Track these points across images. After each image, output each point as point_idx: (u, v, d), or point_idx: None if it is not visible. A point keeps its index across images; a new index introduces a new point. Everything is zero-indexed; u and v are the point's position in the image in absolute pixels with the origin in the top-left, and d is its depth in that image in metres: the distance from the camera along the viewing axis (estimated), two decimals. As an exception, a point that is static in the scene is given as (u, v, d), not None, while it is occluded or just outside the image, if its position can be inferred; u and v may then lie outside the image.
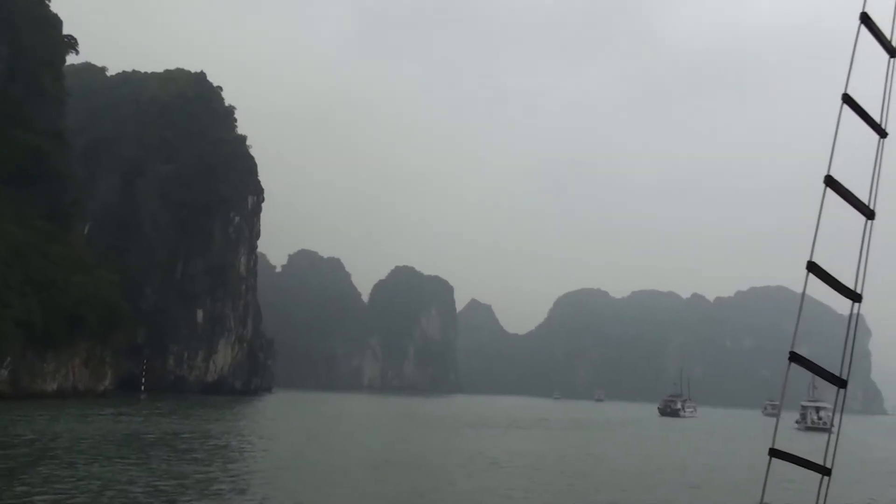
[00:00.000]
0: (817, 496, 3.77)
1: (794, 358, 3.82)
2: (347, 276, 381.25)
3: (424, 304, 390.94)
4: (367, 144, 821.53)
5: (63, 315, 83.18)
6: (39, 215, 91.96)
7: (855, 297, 3.93)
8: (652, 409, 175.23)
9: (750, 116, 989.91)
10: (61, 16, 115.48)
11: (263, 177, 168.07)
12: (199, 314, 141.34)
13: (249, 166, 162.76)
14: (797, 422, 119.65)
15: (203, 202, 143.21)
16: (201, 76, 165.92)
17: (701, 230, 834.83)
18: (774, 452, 3.76)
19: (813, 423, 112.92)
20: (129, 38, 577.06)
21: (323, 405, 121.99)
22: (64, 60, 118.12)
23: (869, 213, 3.88)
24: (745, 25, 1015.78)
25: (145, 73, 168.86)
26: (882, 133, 3.95)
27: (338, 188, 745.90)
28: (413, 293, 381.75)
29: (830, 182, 3.72)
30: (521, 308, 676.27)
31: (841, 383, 3.99)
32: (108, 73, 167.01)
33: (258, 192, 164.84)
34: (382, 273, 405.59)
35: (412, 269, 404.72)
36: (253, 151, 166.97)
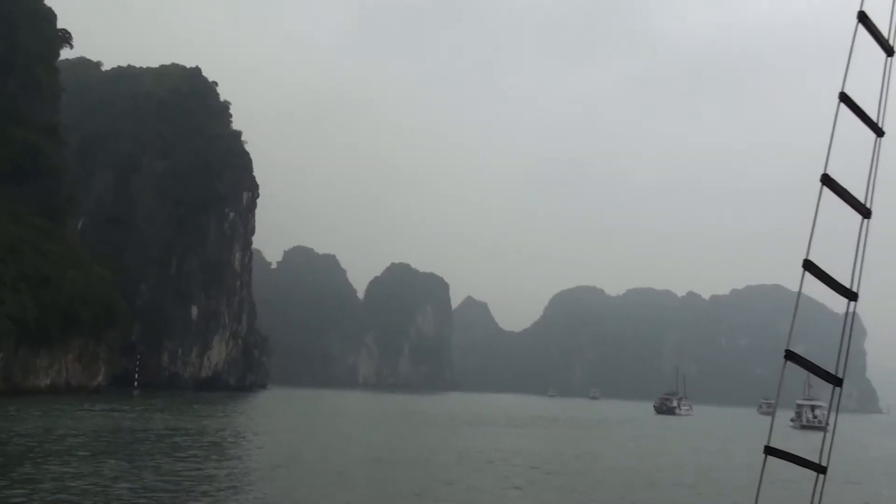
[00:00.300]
0: (812, 494, 3.76)
1: (791, 356, 3.78)
2: (343, 272, 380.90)
3: (420, 302, 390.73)
4: (363, 142, 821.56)
5: (57, 311, 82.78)
6: (34, 211, 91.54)
7: (851, 295, 3.88)
8: (647, 408, 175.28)
9: (747, 115, 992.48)
10: (56, 10, 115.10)
11: (259, 174, 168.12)
12: (194, 310, 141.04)
13: (245, 162, 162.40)
14: (792, 420, 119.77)
15: (198, 198, 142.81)
16: (196, 71, 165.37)
17: (697, 229, 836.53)
18: (770, 450, 3.71)
19: (808, 422, 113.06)
20: (127, 36, 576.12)
21: (317, 402, 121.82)
22: (58, 55, 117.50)
23: (865, 212, 3.86)
24: (743, 25, 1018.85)
25: (140, 68, 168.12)
26: (879, 132, 3.92)
27: (334, 185, 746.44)
28: (408, 290, 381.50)
29: (827, 181, 3.70)
30: (517, 305, 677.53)
31: (837, 382, 3.94)
32: (103, 69, 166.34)
33: (253, 189, 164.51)
34: (378, 270, 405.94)
35: (408, 266, 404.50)
36: (249, 148, 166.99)
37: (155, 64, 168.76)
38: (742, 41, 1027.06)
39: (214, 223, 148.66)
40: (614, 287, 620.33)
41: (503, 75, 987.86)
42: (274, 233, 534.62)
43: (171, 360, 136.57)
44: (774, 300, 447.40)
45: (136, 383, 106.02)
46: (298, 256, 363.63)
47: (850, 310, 3.87)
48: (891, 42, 3.90)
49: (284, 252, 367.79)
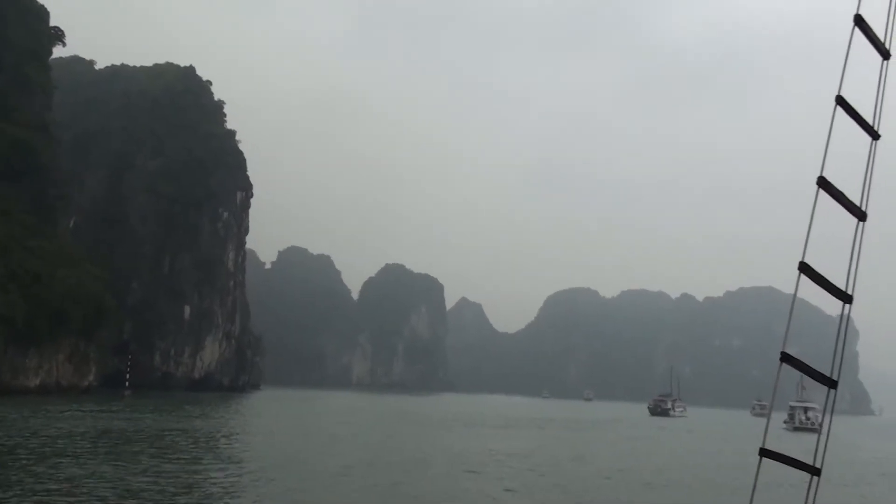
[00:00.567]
0: (807, 496, 3.74)
1: (786, 358, 3.78)
2: (337, 273, 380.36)
3: (414, 302, 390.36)
4: (358, 143, 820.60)
5: (47, 310, 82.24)
6: (24, 209, 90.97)
7: (846, 297, 3.88)
8: (641, 409, 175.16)
9: (743, 118, 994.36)
10: (49, 8, 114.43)
11: (254, 173, 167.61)
12: (187, 310, 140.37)
13: (239, 161, 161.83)
14: (785, 422, 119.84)
15: (191, 197, 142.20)
16: (190, 70, 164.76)
17: (691, 230, 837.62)
18: (765, 452, 3.71)
19: (801, 424, 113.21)
20: (122, 35, 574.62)
21: (311, 403, 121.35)
22: (50, 52, 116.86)
23: (861, 215, 3.86)
24: (740, 28, 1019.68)
25: (134, 66, 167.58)
26: (874, 135, 3.92)
27: (329, 186, 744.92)
28: (403, 291, 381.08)
29: (823, 183, 3.70)
30: (512, 307, 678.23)
31: (831, 384, 3.92)
32: (97, 67, 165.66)
33: (247, 188, 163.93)
34: (372, 271, 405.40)
35: (402, 266, 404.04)
36: (244, 148, 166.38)
37: (147, 61, 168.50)
38: (738, 44, 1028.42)
39: (208, 222, 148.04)
40: (608, 288, 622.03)
41: (498, 76, 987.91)
42: (269, 233, 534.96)
43: (164, 360, 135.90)
44: (768, 302, 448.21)
45: (127, 383, 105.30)
46: (293, 256, 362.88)
47: (845, 312, 3.85)
48: (887, 45, 3.89)
49: (279, 252, 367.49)
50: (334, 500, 26.83)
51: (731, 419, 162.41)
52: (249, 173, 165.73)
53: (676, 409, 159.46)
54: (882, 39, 3.89)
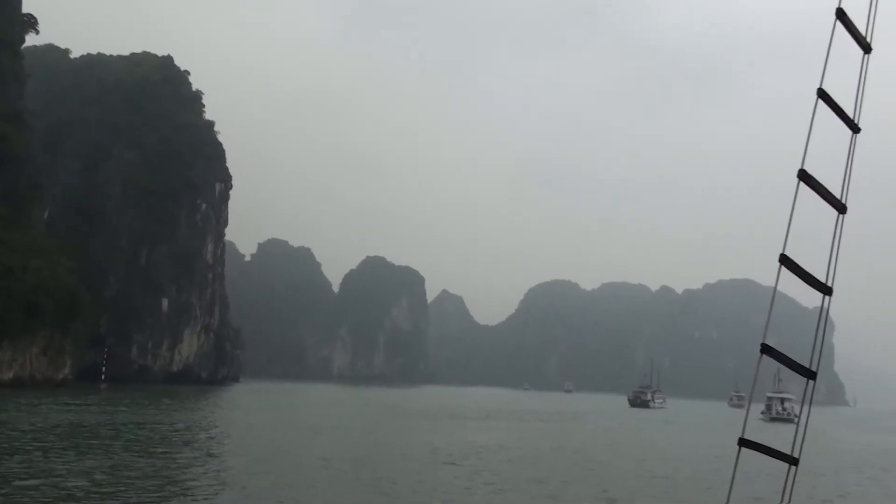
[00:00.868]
0: (784, 485, 3.78)
1: (766, 350, 3.81)
2: (318, 265, 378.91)
3: (395, 295, 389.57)
4: (340, 137, 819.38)
5: (20, 302, 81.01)
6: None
7: (826, 290, 3.90)
8: (621, 400, 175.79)
9: (725, 112, 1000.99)
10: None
11: (235, 166, 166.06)
12: (164, 302, 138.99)
13: (217, 152, 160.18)
14: (762, 413, 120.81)
15: (169, 188, 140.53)
16: (168, 60, 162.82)
17: (671, 224, 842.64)
18: (744, 442, 3.75)
19: (777, 414, 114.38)
20: (100, 23, 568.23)
21: (290, 396, 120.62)
22: (23, 40, 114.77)
23: (841, 208, 3.89)
24: (722, 24, 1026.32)
25: (110, 55, 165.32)
26: (855, 128, 3.94)
27: (310, 179, 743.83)
28: (384, 283, 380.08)
29: (804, 176, 3.73)
30: (493, 299, 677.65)
31: (811, 375, 3.93)
32: (72, 56, 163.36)
33: (226, 179, 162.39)
34: (353, 263, 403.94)
35: (383, 259, 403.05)
36: (224, 139, 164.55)
37: (126, 53, 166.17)
38: (720, 40, 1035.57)
39: (186, 214, 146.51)
40: (589, 281, 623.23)
41: (483, 74, 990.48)
42: (249, 225, 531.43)
43: (141, 353, 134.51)
44: (746, 294, 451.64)
45: (103, 377, 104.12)
46: (273, 249, 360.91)
47: (825, 304, 3.87)
48: (868, 39, 3.89)
49: (259, 244, 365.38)
50: (315, 493, 26.36)
51: (709, 410, 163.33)
52: (229, 165, 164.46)
53: (656, 401, 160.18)
54: (863, 33, 3.88)
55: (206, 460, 33.89)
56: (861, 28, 3.89)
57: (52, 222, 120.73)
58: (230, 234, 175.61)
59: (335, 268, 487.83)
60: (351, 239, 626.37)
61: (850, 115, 3.94)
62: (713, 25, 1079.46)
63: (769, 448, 3.81)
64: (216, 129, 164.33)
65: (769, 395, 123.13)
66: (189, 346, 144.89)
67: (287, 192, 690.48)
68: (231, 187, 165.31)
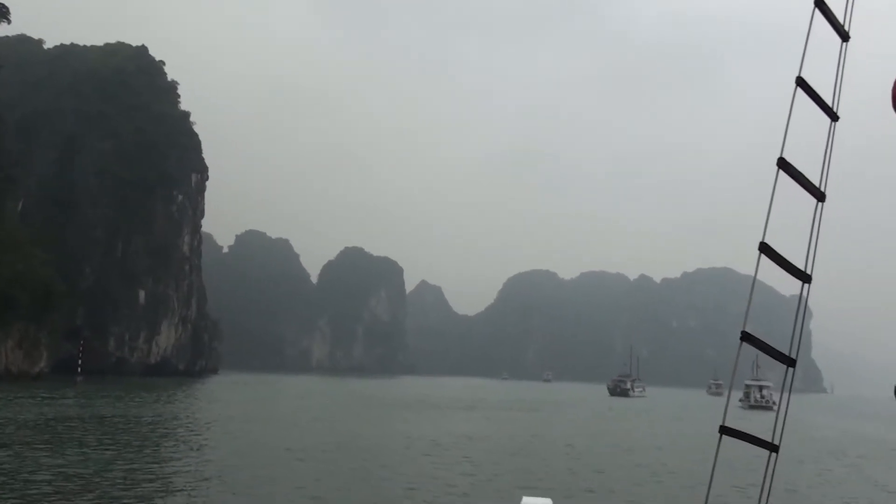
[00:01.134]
0: (765, 472, 3.76)
1: (746, 338, 3.80)
2: (296, 257, 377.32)
3: (374, 286, 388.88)
4: (318, 130, 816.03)
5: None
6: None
7: (805, 277, 3.86)
8: (600, 389, 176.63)
9: (704, 102, 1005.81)
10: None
11: (212, 157, 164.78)
12: (141, 294, 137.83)
13: (193, 143, 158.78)
14: (741, 400, 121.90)
15: (144, 179, 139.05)
16: (143, 50, 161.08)
17: (649, 214, 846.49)
18: (725, 430, 3.72)
19: (756, 402, 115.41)
20: (74, 14, 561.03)
21: (269, 387, 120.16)
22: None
23: (820, 196, 3.86)
24: (698, 11, 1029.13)
25: (84, 46, 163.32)
26: (834, 117, 3.91)
27: (288, 171, 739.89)
28: (362, 274, 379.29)
29: (783, 164, 3.73)
30: (471, 289, 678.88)
31: (790, 362, 3.91)
32: (46, 46, 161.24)
33: (202, 170, 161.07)
34: (331, 254, 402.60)
35: (361, 249, 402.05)
36: (200, 131, 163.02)
37: (101, 43, 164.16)
38: (698, 31, 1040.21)
39: (162, 205, 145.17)
40: (567, 270, 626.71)
41: (461, 65, 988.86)
42: (226, 217, 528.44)
43: (118, 346, 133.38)
44: (724, 283, 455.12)
45: (79, 369, 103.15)
46: (251, 240, 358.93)
47: (804, 292, 3.84)
48: (846, 28, 3.86)
49: (236, 236, 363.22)
50: (286, 486, 26.16)
51: (688, 398, 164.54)
52: (206, 157, 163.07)
53: (636, 390, 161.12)
54: (841, 22, 3.84)
55: (184, 453, 33.63)
56: (839, 16, 3.84)
57: (27, 214, 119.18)
58: (208, 225, 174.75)
59: (314, 259, 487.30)
60: (329, 230, 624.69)
61: (829, 104, 3.90)
62: (690, 16, 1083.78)
63: (749, 435, 3.79)
64: (192, 119, 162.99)
65: (747, 382, 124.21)
66: (167, 338, 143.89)
67: (265, 183, 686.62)
68: (207, 178, 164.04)
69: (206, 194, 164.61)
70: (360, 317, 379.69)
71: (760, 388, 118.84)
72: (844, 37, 3.90)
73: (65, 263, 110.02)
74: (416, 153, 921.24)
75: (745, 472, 29.50)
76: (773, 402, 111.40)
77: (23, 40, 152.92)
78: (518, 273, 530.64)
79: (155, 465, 29.17)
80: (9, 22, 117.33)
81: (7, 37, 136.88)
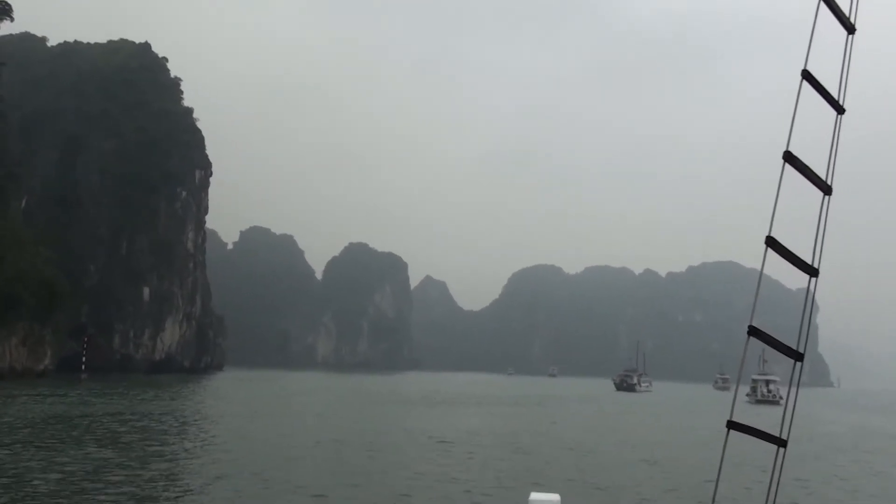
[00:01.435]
0: (773, 467, 3.79)
1: (753, 332, 3.79)
2: (301, 253, 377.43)
3: (378, 281, 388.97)
4: (323, 128, 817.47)
5: (-2, 293, 79.91)
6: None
7: (812, 271, 3.89)
8: (606, 384, 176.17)
9: (708, 97, 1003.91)
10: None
11: (216, 154, 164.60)
12: (146, 291, 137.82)
13: (197, 140, 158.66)
14: (747, 395, 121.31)
15: (148, 176, 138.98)
16: (146, 47, 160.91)
17: (655, 208, 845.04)
18: (732, 425, 3.76)
19: (763, 397, 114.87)
20: (78, 11, 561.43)
21: (273, 383, 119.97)
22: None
23: (826, 189, 3.87)
24: (702, 9, 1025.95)
25: (87, 43, 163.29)
26: (840, 110, 3.91)
27: (293, 167, 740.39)
28: (367, 270, 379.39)
29: (789, 158, 3.72)
30: (476, 284, 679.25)
31: (798, 357, 3.91)
32: (49, 44, 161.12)
33: (206, 167, 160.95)
34: (336, 250, 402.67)
35: (366, 245, 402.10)
36: (204, 127, 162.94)
37: (104, 40, 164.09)
38: (701, 25, 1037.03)
39: (165, 202, 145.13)
40: (572, 265, 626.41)
41: (460, 65, 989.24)
42: (231, 213, 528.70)
43: (123, 343, 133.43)
44: (729, 277, 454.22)
45: (83, 367, 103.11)
46: (255, 237, 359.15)
47: (812, 286, 3.85)
48: (852, 20, 3.85)
49: (241, 232, 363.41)
50: (289, 483, 25.89)
51: (695, 393, 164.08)
52: (210, 153, 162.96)
53: (642, 384, 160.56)
54: (847, 14, 3.82)
55: (189, 451, 33.36)
56: (845, 9, 3.81)
57: (30, 213, 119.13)
58: (212, 222, 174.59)
59: (318, 255, 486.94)
60: (332, 227, 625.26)
61: (835, 97, 3.87)
62: (693, 11, 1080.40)
63: (757, 430, 3.80)
64: (195, 116, 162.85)
65: (754, 377, 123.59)
66: (171, 335, 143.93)
67: (266, 182, 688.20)
68: (211, 174, 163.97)
69: (210, 191, 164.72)
70: (365, 312, 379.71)
71: (767, 382, 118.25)
72: (850, 29, 3.86)
73: (69, 262, 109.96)
74: (416, 152, 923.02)
75: (753, 467, 29.21)
76: (781, 397, 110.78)
77: (26, 38, 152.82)
78: (523, 268, 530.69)
79: (160, 463, 28.90)
80: (11, 20, 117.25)
81: (10, 35, 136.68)
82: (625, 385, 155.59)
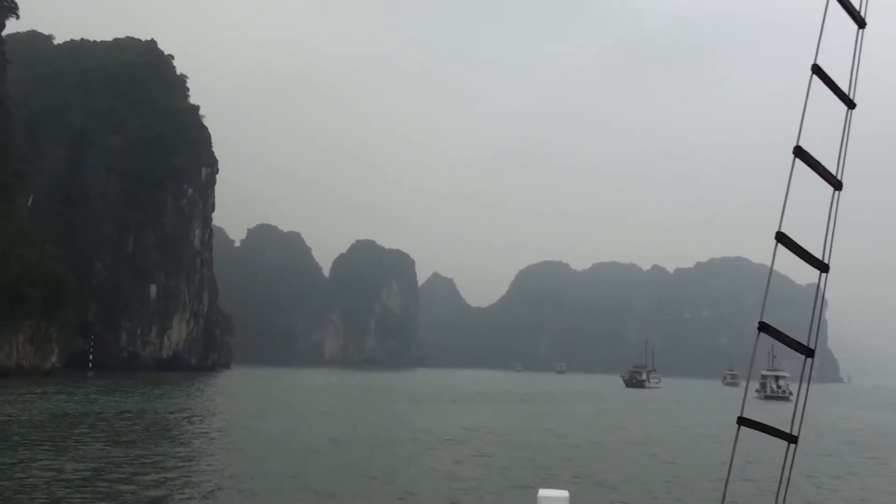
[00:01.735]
0: (784, 463, 3.72)
1: (764, 328, 3.75)
2: (308, 250, 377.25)
3: (386, 278, 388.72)
4: (330, 125, 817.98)
5: (5, 290, 79.85)
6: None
7: (823, 267, 3.86)
8: (615, 381, 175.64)
9: (717, 92, 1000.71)
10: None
11: (223, 152, 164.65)
12: (153, 289, 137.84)
13: (203, 137, 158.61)
14: (757, 391, 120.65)
15: (154, 173, 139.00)
16: (152, 44, 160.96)
17: (663, 204, 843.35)
18: (743, 421, 3.73)
19: (773, 392, 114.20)
20: (84, 9, 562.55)
21: (281, 381, 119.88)
22: (3, 25, 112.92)
23: (837, 184, 3.85)
24: (710, 4, 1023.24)
25: (94, 41, 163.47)
26: (850, 104, 3.89)
27: (300, 165, 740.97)
28: (374, 267, 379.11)
29: (799, 153, 3.68)
30: (484, 281, 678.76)
31: (808, 352, 3.91)
32: (56, 42, 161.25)
33: (212, 164, 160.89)
34: (343, 247, 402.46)
35: (373, 242, 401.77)
36: (210, 125, 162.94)
37: (110, 38, 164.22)
38: (710, 19, 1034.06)
39: (172, 199, 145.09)
40: (580, 262, 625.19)
41: (468, 53, 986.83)
42: (238, 211, 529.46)
43: (130, 340, 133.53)
44: (739, 272, 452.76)
45: (90, 364, 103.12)
46: (263, 234, 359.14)
47: (822, 281, 3.84)
48: (862, 14, 3.83)
49: (248, 230, 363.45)
50: (295, 481, 25.58)
51: (704, 389, 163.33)
52: (217, 151, 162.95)
53: (651, 381, 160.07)
54: (857, 8, 3.79)
55: (195, 449, 33.11)
56: (855, 2, 3.76)
57: (37, 210, 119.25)
58: (219, 219, 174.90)
59: (325, 252, 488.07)
60: (338, 226, 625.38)
61: (845, 91, 3.80)
62: (694, 10, 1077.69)
63: (768, 426, 3.75)
64: (201, 113, 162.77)
65: (764, 373, 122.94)
66: (178, 333, 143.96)
67: (275, 178, 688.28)
68: (217, 171, 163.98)
69: (218, 190, 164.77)
70: (372, 309, 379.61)
71: (777, 378, 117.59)
72: (861, 23, 3.82)
73: (75, 259, 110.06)
74: (422, 151, 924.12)
75: (764, 463, 28.79)
76: (790, 393, 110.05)
77: (32, 36, 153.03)
78: (530, 265, 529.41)
79: (169, 461, 28.62)
80: (17, 17, 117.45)
81: (17, 33, 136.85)
82: (634, 381, 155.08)
